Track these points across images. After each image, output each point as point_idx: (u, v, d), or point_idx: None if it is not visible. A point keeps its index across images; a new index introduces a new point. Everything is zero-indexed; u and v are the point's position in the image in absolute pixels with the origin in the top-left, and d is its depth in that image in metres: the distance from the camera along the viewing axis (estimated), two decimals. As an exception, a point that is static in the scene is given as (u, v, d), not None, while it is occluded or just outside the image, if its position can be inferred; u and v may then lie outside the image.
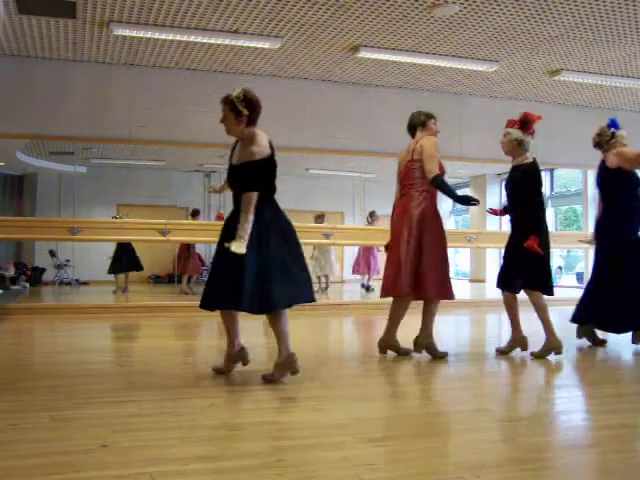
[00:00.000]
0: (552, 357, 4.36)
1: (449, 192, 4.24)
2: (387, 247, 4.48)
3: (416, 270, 4.21)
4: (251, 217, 3.38)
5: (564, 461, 2.24)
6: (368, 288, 10.99)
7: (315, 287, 10.60)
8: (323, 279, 10.78)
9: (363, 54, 7.30)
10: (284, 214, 3.61)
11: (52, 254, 11.92)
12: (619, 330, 4.83)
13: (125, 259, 10.16)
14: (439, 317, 4.44)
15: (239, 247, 3.30)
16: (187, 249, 10.51)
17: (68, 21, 6.41)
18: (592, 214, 11.71)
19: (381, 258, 11.65)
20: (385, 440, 2.44)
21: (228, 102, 3.49)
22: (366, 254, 10.99)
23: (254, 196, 3.40)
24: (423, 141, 4.30)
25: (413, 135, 4.47)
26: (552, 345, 4.37)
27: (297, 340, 5.77)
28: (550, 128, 9.49)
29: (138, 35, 6.73)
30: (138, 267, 10.43)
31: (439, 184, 4.20)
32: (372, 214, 10.60)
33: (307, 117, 8.43)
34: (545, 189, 13.04)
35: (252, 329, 5.66)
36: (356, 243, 10.17)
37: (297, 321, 6.90)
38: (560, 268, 15.08)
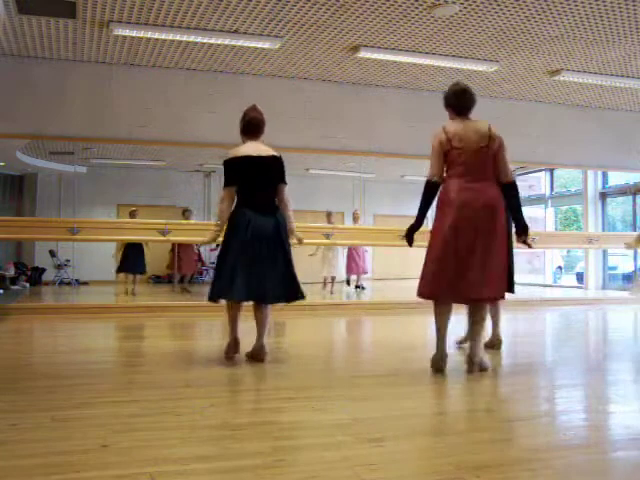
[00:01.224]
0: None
1: (518, 203, 3.79)
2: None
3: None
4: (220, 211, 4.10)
5: (564, 461, 2.23)
6: (360, 287, 11.03)
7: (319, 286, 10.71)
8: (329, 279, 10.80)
9: (363, 54, 7.30)
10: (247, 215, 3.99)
11: (52, 254, 11.93)
12: None
13: (132, 260, 10.04)
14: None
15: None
16: (193, 248, 10.50)
17: (68, 21, 6.40)
18: (592, 214, 11.73)
19: (379, 258, 11.71)
20: (385, 440, 2.43)
21: None
22: (353, 254, 10.97)
23: (224, 191, 4.08)
24: (497, 132, 3.75)
25: (460, 113, 3.80)
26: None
27: (298, 340, 5.80)
28: (550, 128, 9.51)
29: (138, 35, 6.72)
30: (138, 270, 10.25)
31: (516, 191, 3.78)
32: (354, 214, 10.56)
33: (307, 117, 8.42)
34: (545, 189, 13.07)
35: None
36: (356, 243, 10.18)
37: (297, 321, 6.91)
38: (560, 268, 15.07)
